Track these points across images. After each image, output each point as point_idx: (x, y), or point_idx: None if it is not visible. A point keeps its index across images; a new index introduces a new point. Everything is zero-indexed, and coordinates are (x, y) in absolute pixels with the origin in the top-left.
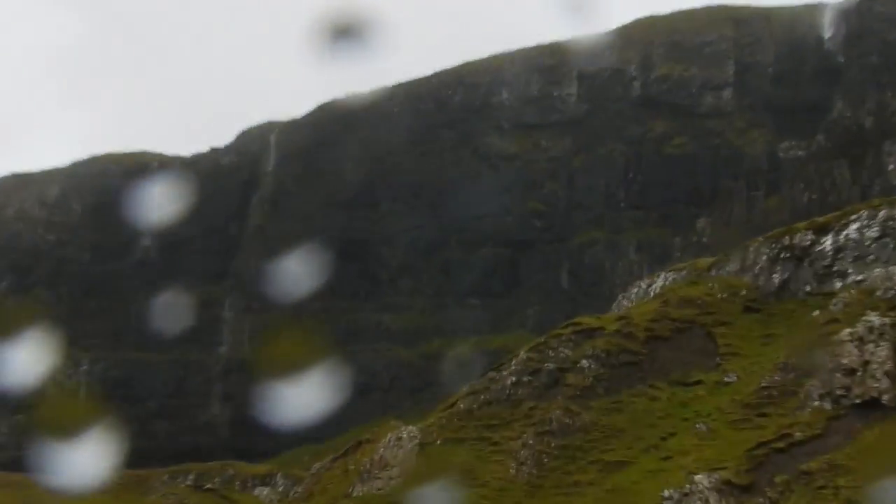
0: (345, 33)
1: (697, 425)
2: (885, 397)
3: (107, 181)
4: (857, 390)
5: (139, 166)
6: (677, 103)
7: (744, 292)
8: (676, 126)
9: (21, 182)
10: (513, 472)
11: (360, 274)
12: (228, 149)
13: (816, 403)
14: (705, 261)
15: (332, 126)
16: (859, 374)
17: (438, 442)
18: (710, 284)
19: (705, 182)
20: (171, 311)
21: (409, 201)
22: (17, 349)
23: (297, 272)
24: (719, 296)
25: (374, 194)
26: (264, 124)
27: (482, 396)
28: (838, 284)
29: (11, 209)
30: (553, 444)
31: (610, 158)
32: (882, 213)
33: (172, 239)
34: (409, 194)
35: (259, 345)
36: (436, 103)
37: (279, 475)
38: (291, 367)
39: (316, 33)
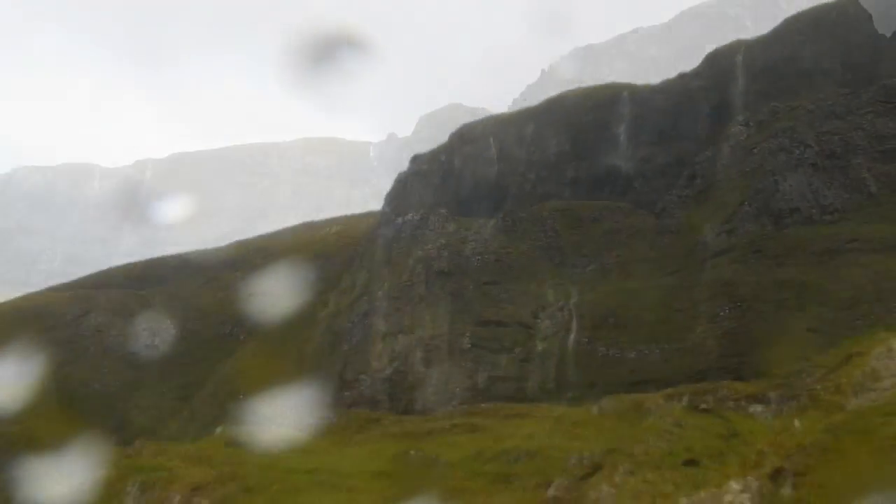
0: None
1: None
2: None
3: (579, 115)
4: None
5: (609, 98)
6: None
7: None
8: None
9: (501, 123)
10: None
11: (842, 189)
12: (697, 73)
13: None
14: None
15: (800, 36)
16: None
17: None
18: None
19: None
20: (648, 239)
21: None
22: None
23: (792, 191)
24: None
25: (855, 103)
26: (732, 43)
27: None
28: None
29: (493, 149)
30: None
31: None
32: None
33: (645, 168)
34: None
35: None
36: None
37: (771, 392)
38: (782, 286)
39: None
